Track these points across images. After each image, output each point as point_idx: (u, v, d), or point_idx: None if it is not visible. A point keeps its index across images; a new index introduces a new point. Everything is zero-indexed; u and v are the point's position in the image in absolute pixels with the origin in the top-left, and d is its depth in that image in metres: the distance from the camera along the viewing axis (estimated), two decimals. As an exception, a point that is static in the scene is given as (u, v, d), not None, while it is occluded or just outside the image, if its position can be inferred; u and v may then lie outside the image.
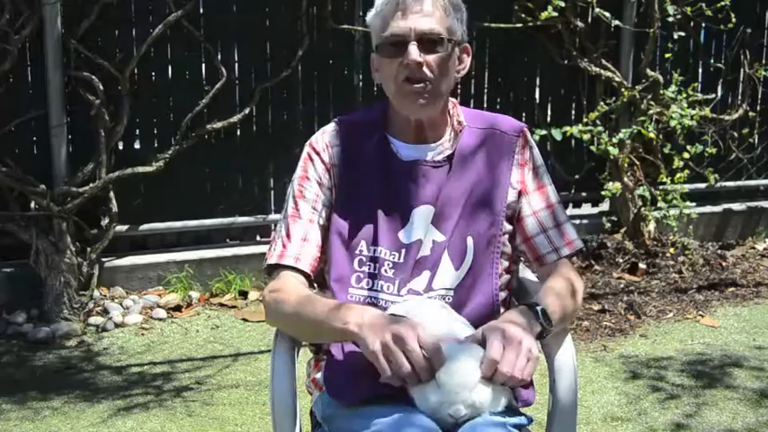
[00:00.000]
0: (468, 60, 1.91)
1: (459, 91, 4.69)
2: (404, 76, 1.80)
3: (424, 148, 1.89)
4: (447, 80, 1.84)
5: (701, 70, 5.19)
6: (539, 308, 1.73)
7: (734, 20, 4.72)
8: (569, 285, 1.87)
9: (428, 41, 1.79)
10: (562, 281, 1.87)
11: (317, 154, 1.91)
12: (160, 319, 4.06)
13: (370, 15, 1.88)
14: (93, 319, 3.98)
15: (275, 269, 1.86)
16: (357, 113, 1.99)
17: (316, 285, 1.91)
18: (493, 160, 1.88)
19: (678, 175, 4.77)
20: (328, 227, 1.87)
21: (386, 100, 1.92)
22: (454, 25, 1.84)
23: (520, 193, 1.90)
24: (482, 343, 1.64)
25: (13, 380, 3.48)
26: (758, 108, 5.27)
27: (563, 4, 4.56)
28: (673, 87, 4.74)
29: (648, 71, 4.82)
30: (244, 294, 4.33)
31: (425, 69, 1.79)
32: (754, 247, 5.17)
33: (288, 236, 1.86)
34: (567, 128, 4.69)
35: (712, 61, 5.19)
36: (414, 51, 1.78)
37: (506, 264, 1.89)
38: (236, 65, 4.41)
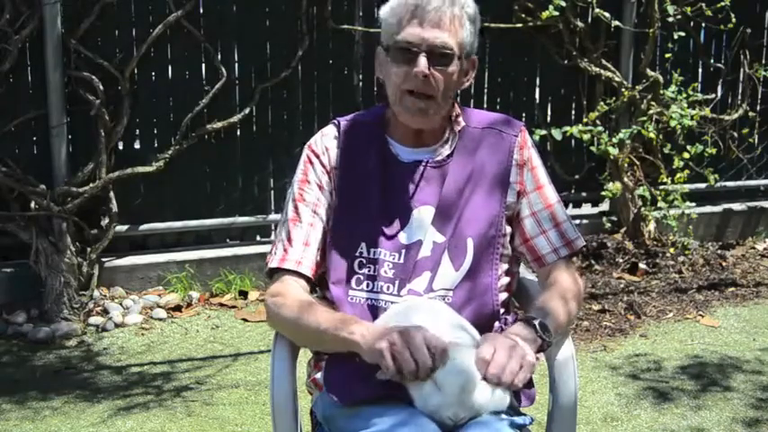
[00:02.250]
0: (472, 74, 1.90)
1: (458, 91, 4.68)
2: (409, 87, 1.79)
3: (423, 149, 1.89)
4: (451, 93, 1.84)
5: (700, 70, 5.19)
6: (536, 322, 1.73)
7: (734, 20, 4.72)
8: (570, 287, 1.87)
9: (439, 55, 1.78)
10: (562, 283, 1.87)
11: (317, 157, 1.91)
12: (160, 319, 4.06)
13: (384, 11, 1.85)
14: (93, 319, 3.98)
15: (276, 273, 1.86)
16: (356, 115, 1.98)
17: (317, 289, 1.92)
18: (492, 160, 1.88)
19: (678, 175, 4.77)
20: (328, 229, 1.87)
21: (385, 101, 1.91)
22: (467, 39, 1.82)
23: (519, 194, 1.90)
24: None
25: (13, 380, 3.48)
26: (758, 108, 5.27)
27: (563, 4, 4.56)
28: (673, 87, 4.74)
29: (648, 71, 4.82)
30: (244, 294, 4.33)
31: (432, 82, 1.78)
32: (754, 247, 5.17)
33: (289, 240, 1.86)
34: (567, 128, 4.69)
35: (712, 61, 5.18)
36: (422, 63, 1.77)
37: (506, 265, 1.89)
38: (236, 65, 4.40)
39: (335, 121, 1.95)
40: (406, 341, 1.58)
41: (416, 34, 1.77)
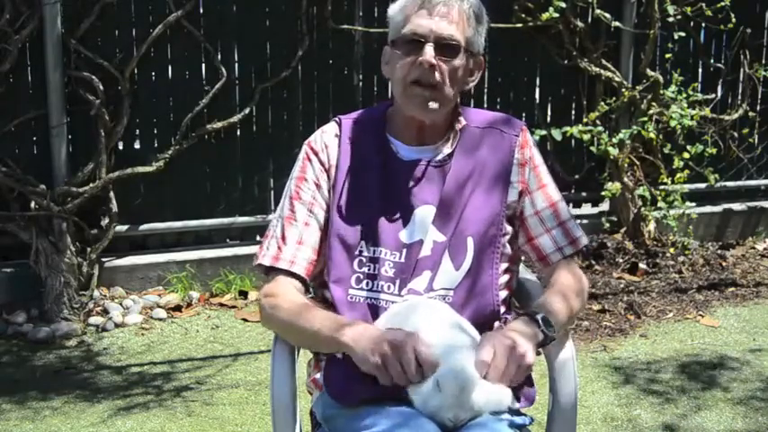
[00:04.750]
0: (478, 75, 1.90)
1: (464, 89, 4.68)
2: (414, 77, 1.79)
3: (424, 148, 1.89)
4: (456, 88, 1.84)
5: (700, 70, 5.19)
6: (539, 316, 1.73)
7: (734, 20, 4.72)
8: (574, 284, 1.88)
9: (445, 47, 1.79)
10: (566, 280, 1.87)
11: (315, 154, 1.91)
12: (160, 319, 4.06)
13: (392, 9, 1.86)
14: (93, 319, 3.98)
15: (271, 271, 1.86)
16: (358, 113, 1.97)
17: (312, 289, 1.91)
18: (493, 160, 1.88)
19: (678, 175, 4.77)
20: (326, 228, 1.87)
21: (387, 100, 1.91)
22: (474, 37, 1.83)
23: (521, 193, 1.90)
24: None
25: (13, 380, 3.48)
26: (758, 108, 5.27)
27: (563, 5, 4.56)
28: (673, 87, 4.74)
29: (648, 71, 4.82)
30: (244, 294, 4.33)
31: (437, 74, 1.79)
32: (754, 247, 5.17)
33: (283, 238, 1.86)
34: (567, 128, 4.69)
35: (712, 61, 5.18)
36: (429, 52, 1.77)
37: (506, 264, 1.89)
38: (236, 65, 4.40)
39: (337, 119, 1.95)
40: (397, 354, 1.59)
41: (424, 25, 1.78)
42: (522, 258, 2.00)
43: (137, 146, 4.32)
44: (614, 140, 4.68)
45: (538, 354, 1.72)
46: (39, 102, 4.02)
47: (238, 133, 4.46)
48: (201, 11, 4.27)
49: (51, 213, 3.95)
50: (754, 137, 5.36)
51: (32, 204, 3.99)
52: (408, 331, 1.64)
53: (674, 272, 4.60)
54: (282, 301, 1.81)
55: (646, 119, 4.73)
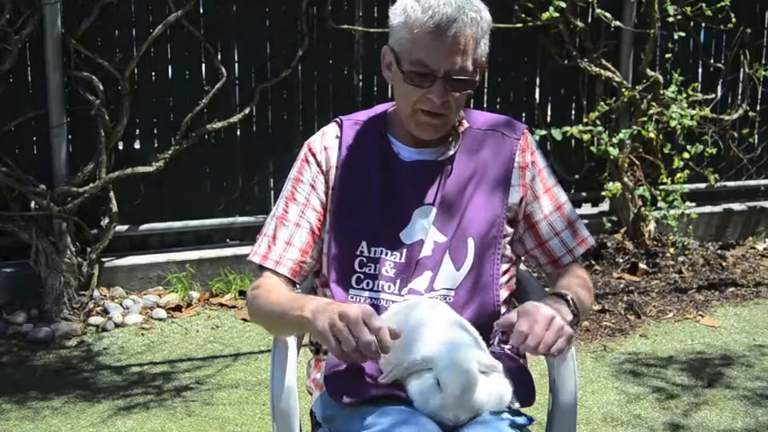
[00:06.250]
0: (479, 78, 1.89)
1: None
2: (422, 107, 1.78)
3: (425, 149, 1.89)
4: (462, 106, 1.84)
5: (700, 70, 5.19)
6: (569, 296, 1.74)
7: (734, 20, 4.72)
8: (585, 282, 1.89)
9: (456, 80, 1.76)
10: (577, 278, 1.88)
11: (314, 156, 1.91)
12: (160, 319, 4.06)
13: (395, 16, 1.79)
14: (93, 319, 3.98)
15: (261, 268, 1.88)
16: (359, 114, 1.97)
17: (299, 288, 1.91)
18: (494, 162, 1.88)
19: (678, 175, 4.77)
20: (322, 229, 1.87)
21: (388, 101, 1.91)
22: (481, 51, 1.80)
23: (522, 197, 1.89)
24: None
25: (13, 380, 3.48)
26: (758, 108, 5.27)
27: (563, 5, 4.56)
28: (673, 87, 4.74)
29: (648, 71, 4.82)
30: (244, 294, 4.33)
31: (446, 104, 1.78)
32: (754, 247, 5.17)
33: (274, 237, 1.87)
34: (567, 128, 4.69)
35: (712, 61, 5.18)
36: (440, 91, 1.75)
37: (507, 265, 1.89)
38: (236, 65, 4.41)
39: (338, 120, 1.95)
40: (346, 321, 1.54)
41: (434, 58, 1.73)
42: (523, 259, 2.00)
43: (137, 146, 4.32)
44: (614, 140, 4.68)
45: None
46: (39, 102, 4.02)
47: (238, 133, 4.46)
48: (201, 11, 4.27)
49: (51, 213, 3.95)
50: (754, 137, 5.36)
51: (32, 204, 3.99)
52: (364, 306, 1.60)
53: (674, 272, 4.60)
54: (263, 291, 1.82)
55: (646, 119, 4.74)
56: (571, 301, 1.74)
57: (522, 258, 1.99)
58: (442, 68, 1.74)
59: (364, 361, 1.60)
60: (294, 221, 1.87)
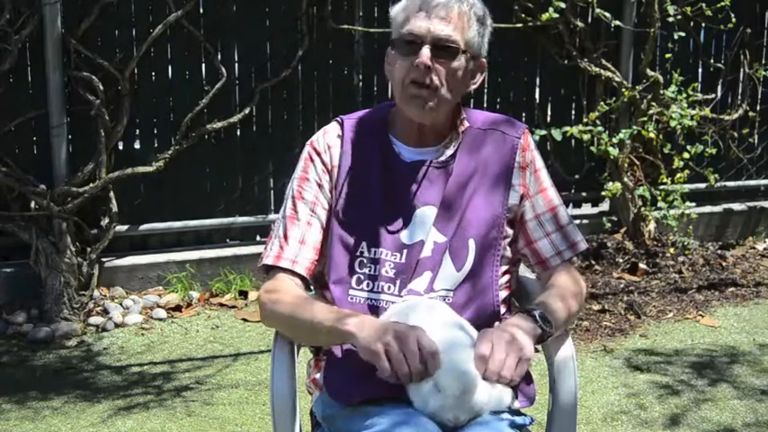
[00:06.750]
0: (480, 78, 1.89)
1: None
2: (411, 78, 1.79)
3: (426, 149, 1.88)
4: (455, 90, 1.82)
5: (700, 70, 5.19)
6: (536, 312, 1.73)
7: (734, 20, 4.73)
8: (572, 287, 1.87)
9: (443, 48, 1.77)
10: (564, 283, 1.87)
11: (318, 155, 1.90)
12: (160, 319, 4.06)
13: (394, 9, 1.85)
14: (93, 319, 3.98)
15: (272, 270, 1.86)
16: (360, 113, 1.97)
17: (312, 288, 1.91)
18: (495, 162, 1.88)
19: (678, 175, 4.77)
20: (328, 228, 1.87)
21: (389, 101, 1.91)
22: (474, 39, 1.82)
23: (522, 197, 1.89)
24: None
25: (13, 380, 3.48)
26: (758, 108, 5.27)
27: (563, 5, 4.56)
28: (673, 87, 4.74)
29: (648, 71, 4.82)
30: (244, 294, 4.33)
31: (433, 75, 1.78)
32: (754, 247, 5.17)
33: (285, 237, 1.85)
34: (567, 128, 4.69)
35: (712, 61, 5.18)
36: (425, 54, 1.76)
37: (506, 266, 1.89)
38: (236, 65, 4.41)
39: (339, 119, 1.95)
40: (401, 344, 1.58)
41: (422, 26, 1.77)
42: (521, 260, 1.99)
43: (137, 146, 4.32)
44: (614, 140, 4.68)
45: (536, 351, 1.72)
46: (39, 102, 4.02)
47: (238, 133, 4.46)
48: (201, 11, 4.27)
49: (51, 213, 3.95)
50: (754, 137, 5.36)
51: (32, 204, 3.99)
52: (413, 324, 1.64)
53: (674, 272, 4.60)
54: (284, 295, 1.80)
55: (646, 119, 4.74)
56: (538, 317, 1.72)
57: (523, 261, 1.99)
58: (428, 35, 1.77)
59: (407, 380, 1.60)
60: (305, 220, 1.86)
